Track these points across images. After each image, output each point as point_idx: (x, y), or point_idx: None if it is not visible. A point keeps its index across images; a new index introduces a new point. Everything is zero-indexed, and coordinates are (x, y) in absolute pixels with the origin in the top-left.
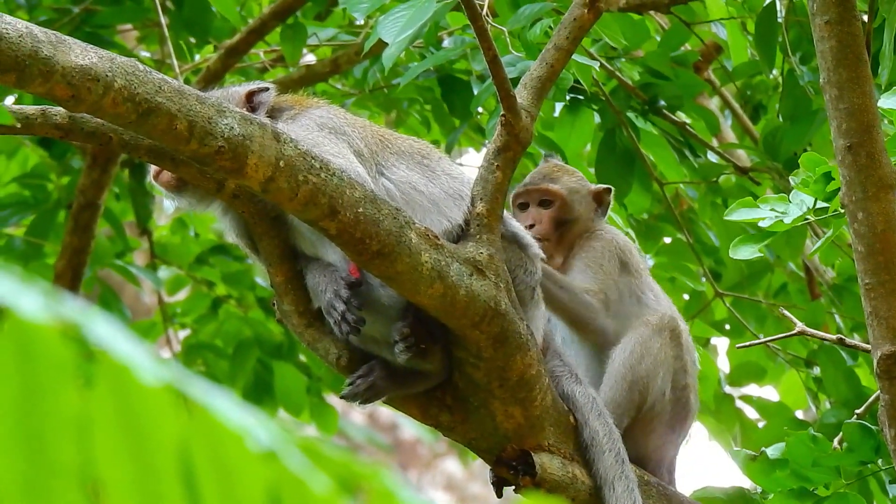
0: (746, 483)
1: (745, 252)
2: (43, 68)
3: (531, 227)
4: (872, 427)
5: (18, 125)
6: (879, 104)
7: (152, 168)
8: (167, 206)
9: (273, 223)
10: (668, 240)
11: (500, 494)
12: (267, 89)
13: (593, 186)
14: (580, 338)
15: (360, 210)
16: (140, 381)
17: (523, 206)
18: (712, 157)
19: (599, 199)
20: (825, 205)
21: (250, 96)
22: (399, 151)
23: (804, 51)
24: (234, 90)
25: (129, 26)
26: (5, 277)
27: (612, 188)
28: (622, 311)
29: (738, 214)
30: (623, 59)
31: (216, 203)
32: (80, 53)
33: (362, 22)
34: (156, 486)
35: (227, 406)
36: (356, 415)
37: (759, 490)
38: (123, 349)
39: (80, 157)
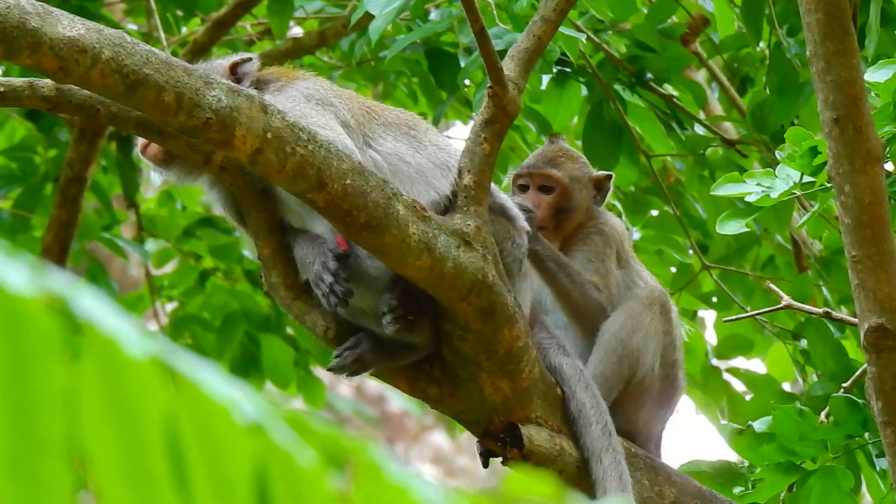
0: (733, 457)
1: (733, 227)
2: (31, 40)
3: (530, 212)
4: (859, 401)
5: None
6: (866, 77)
7: (139, 142)
8: (154, 179)
9: (261, 196)
10: (655, 212)
11: (486, 465)
12: (250, 59)
13: (594, 173)
14: (578, 328)
15: (348, 182)
16: (127, 354)
17: (523, 188)
18: (699, 130)
19: (599, 186)
20: (812, 179)
21: (234, 67)
22: (386, 122)
23: (791, 23)
24: (218, 63)
25: None
26: None
27: (613, 175)
28: (615, 303)
29: (725, 189)
30: (610, 32)
31: (204, 176)
32: (67, 25)
33: None
34: (142, 459)
35: (213, 379)
36: (344, 388)
37: (746, 464)
38: (110, 322)
39: (68, 130)
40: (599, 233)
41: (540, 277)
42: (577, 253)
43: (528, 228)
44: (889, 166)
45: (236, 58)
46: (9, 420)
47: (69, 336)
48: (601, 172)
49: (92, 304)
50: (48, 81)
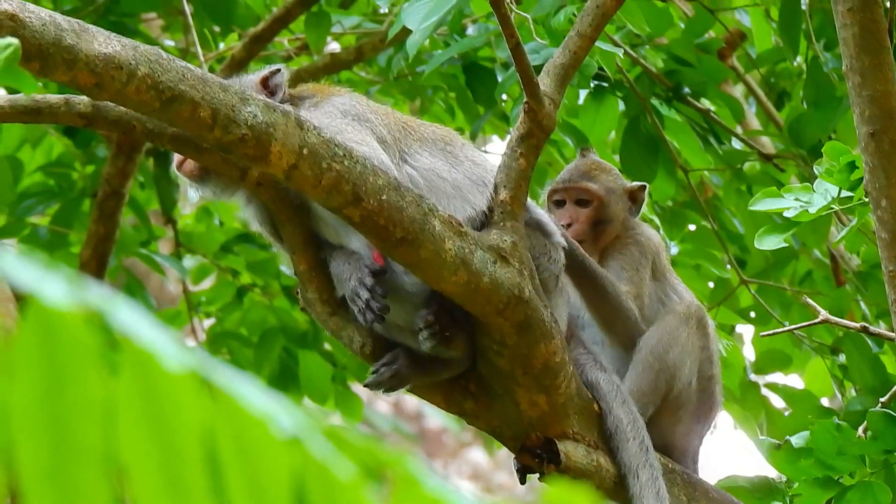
0: (771, 472)
1: (771, 242)
2: (67, 56)
3: (568, 226)
4: None
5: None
6: None
7: (175, 158)
8: (192, 195)
9: (296, 211)
10: (692, 227)
11: (523, 482)
12: (279, 70)
13: (628, 184)
14: (610, 340)
15: (384, 197)
16: (164, 367)
17: (559, 203)
18: (737, 144)
19: (633, 197)
20: (850, 193)
21: (265, 81)
22: (422, 138)
23: (828, 37)
24: (249, 78)
25: (153, 15)
26: (30, 265)
27: (647, 185)
28: (648, 316)
29: (763, 204)
30: (647, 46)
31: (240, 192)
32: (103, 42)
33: (386, 10)
34: (180, 472)
35: (250, 392)
36: (381, 404)
37: (784, 479)
38: (147, 336)
39: (105, 146)
40: (635, 243)
41: (573, 285)
42: (611, 262)
43: (565, 244)
44: None
45: (265, 72)
46: (48, 432)
47: (107, 350)
48: (635, 183)
49: (130, 318)
50: (84, 98)
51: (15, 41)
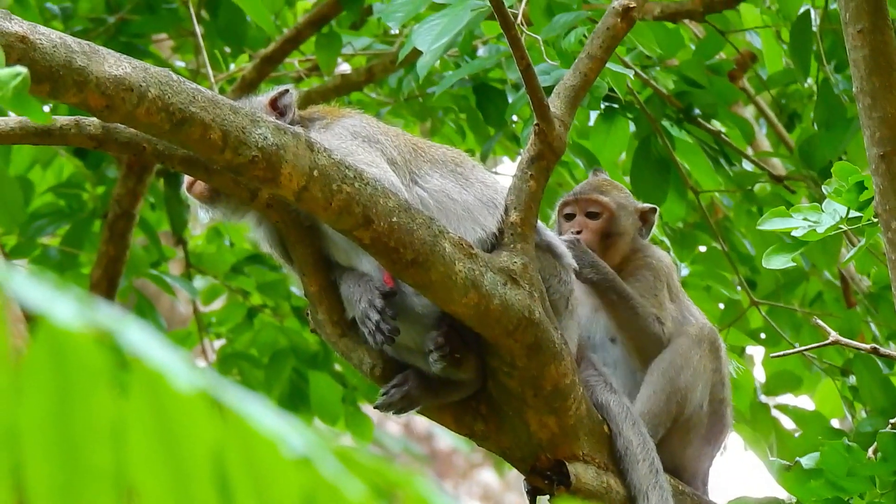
0: (782, 493)
1: (779, 261)
2: (77, 78)
3: (578, 233)
4: None
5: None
6: None
7: (186, 179)
8: (202, 216)
9: (307, 232)
10: (703, 248)
11: (533, 503)
12: (287, 91)
13: (640, 205)
14: (636, 361)
15: (394, 219)
16: (175, 388)
17: (570, 216)
18: (747, 166)
19: (644, 218)
20: (858, 214)
21: (274, 102)
22: (432, 160)
23: (839, 59)
24: (258, 100)
25: (164, 36)
26: (40, 285)
27: (658, 208)
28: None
29: (771, 224)
30: (658, 68)
31: (250, 213)
32: (113, 64)
33: (397, 31)
34: (190, 492)
35: (261, 413)
36: (392, 425)
37: (794, 500)
38: (158, 356)
39: (116, 167)
40: (648, 267)
41: (602, 307)
42: (630, 289)
43: (576, 266)
44: None
45: (274, 93)
46: (58, 452)
47: (118, 371)
48: (646, 205)
49: (140, 338)
50: (94, 119)
51: (23, 70)
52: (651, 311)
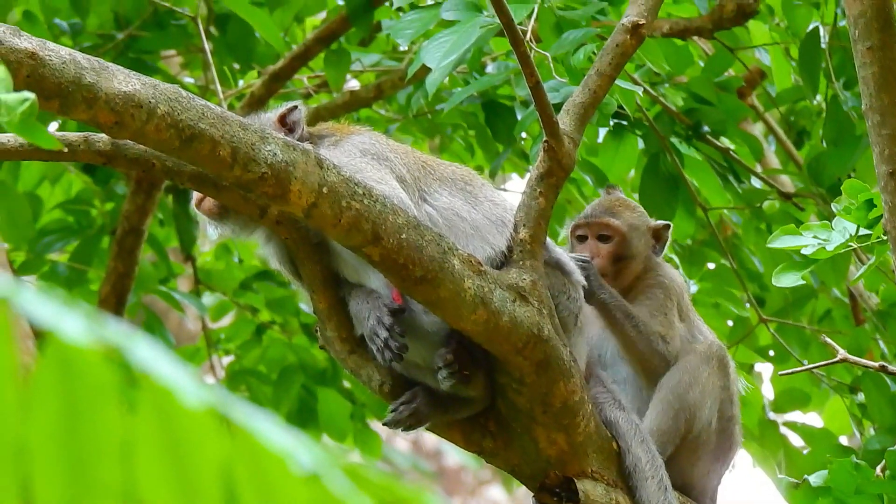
0: None
1: (788, 280)
2: (86, 95)
3: (589, 260)
4: None
5: (65, 149)
6: None
7: (195, 196)
8: (211, 233)
9: (316, 249)
10: (712, 265)
11: None
12: (295, 107)
13: (652, 222)
14: (643, 380)
15: (404, 236)
16: (183, 404)
17: (582, 239)
18: (756, 183)
19: (657, 236)
20: (868, 232)
21: (283, 119)
22: (442, 177)
23: (848, 76)
24: (267, 117)
25: (172, 52)
26: (49, 301)
27: (671, 224)
28: (680, 357)
29: (781, 242)
30: (667, 85)
31: (259, 230)
32: (123, 80)
33: (406, 48)
34: None
35: (269, 429)
36: (400, 441)
37: None
38: (166, 372)
39: (124, 183)
40: (660, 285)
41: (607, 327)
42: (640, 307)
43: (584, 283)
44: None
45: (283, 109)
46: (66, 468)
47: (126, 387)
48: (659, 222)
49: (148, 355)
50: (103, 136)
51: (31, 96)
52: (655, 329)
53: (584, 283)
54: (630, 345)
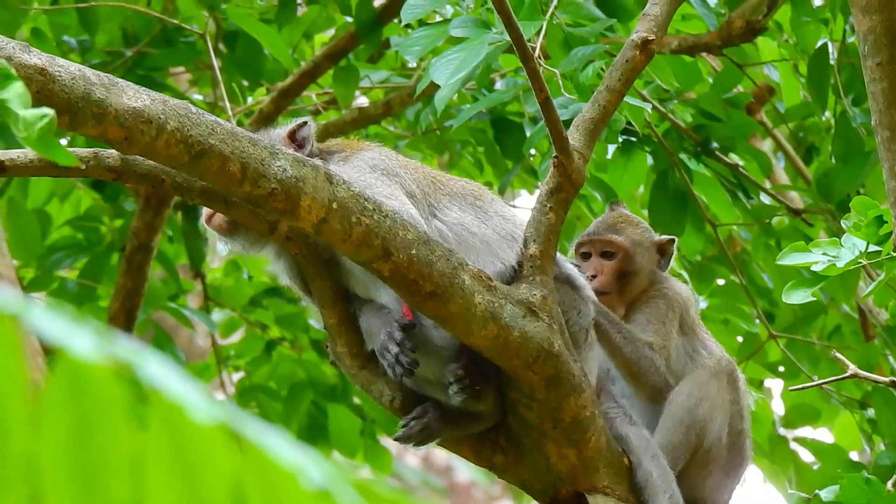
0: None
1: (799, 296)
2: (96, 110)
3: (593, 277)
4: None
5: (82, 166)
6: None
7: (204, 212)
8: (220, 249)
9: (326, 265)
10: (721, 281)
11: None
12: (305, 123)
13: (657, 237)
14: (635, 391)
15: (414, 251)
16: (193, 420)
17: (586, 256)
18: (765, 199)
19: (662, 251)
20: (877, 248)
21: (292, 135)
22: (451, 193)
23: (856, 92)
24: (276, 132)
25: (181, 69)
26: (58, 318)
27: (676, 239)
28: (676, 370)
29: (790, 259)
30: (675, 101)
31: (269, 246)
32: (132, 96)
33: (415, 64)
34: None
35: (279, 445)
36: (411, 457)
37: None
38: (176, 389)
39: (133, 200)
40: (663, 297)
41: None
42: (637, 315)
43: (595, 298)
44: None
45: (293, 125)
46: (77, 485)
47: (136, 403)
48: (664, 237)
49: (158, 371)
50: (113, 152)
51: (50, 112)
52: (642, 336)
53: (595, 298)
54: (616, 351)
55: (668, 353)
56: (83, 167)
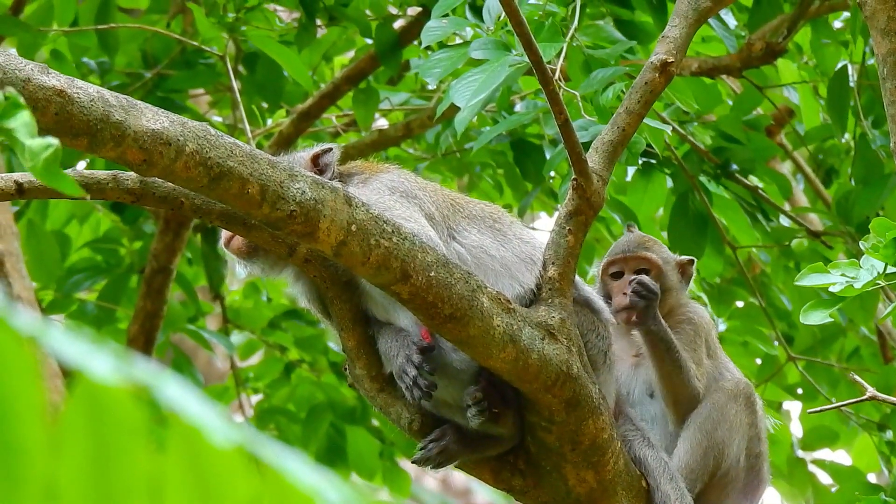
0: None
1: (816, 317)
2: (115, 132)
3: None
4: None
5: (87, 196)
6: None
7: (223, 235)
8: (239, 272)
9: (345, 287)
10: (740, 304)
11: None
12: (330, 150)
13: (677, 257)
14: (674, 417)
15: (433, 274)
16: (212, 443)
17: (617, 276)
18: (785, 221)
19: (682, 271)
20: None
21: (316, 159)
22: (470, 215)
23: (876, 114)
24: (300, 155)
25: (201, 91)
26: (77, 340)
27: (695, 259)
28: (705, 394)
29: (809, 280)
30: (695, 123)
31: (288, 269)
32: (151, 118)
33: (435, 86)
34: None
35: (298, 468)
36: (429, 480)
37: None
38: (195, 411)
39: (153, 222)
40: (689, 322)
41: (649, 357)
42: None
43: (614, 321)
44: None
45: (317, 149)
46: None
47: (155, 426)
48: (683, 257)
49: (177, 394)
50: (132, 174)
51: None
52: (691, 366)
53: (614, 321)
54: (666, 377)
55: (704, 382)
56: (87, 197)
